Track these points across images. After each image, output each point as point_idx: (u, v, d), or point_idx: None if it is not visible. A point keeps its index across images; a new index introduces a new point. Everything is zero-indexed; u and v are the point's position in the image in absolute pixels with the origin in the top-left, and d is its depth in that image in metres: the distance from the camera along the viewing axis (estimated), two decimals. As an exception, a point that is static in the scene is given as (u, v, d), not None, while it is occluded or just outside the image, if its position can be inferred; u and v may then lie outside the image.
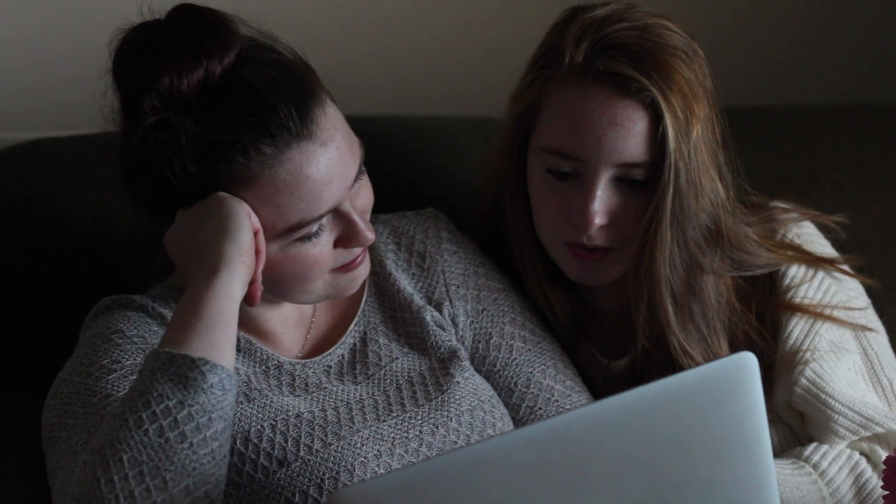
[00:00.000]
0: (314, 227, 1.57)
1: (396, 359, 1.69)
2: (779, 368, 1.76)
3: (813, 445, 1.75)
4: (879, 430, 1.74)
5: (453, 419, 1.62)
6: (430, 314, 1.72)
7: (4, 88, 2.24)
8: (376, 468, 1.57)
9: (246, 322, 1.66)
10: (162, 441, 1.42)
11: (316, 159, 1.55)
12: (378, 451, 1.58)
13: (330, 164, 1.56)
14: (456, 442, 1.61)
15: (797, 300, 1.77)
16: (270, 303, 1.67)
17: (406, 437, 1.60)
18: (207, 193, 1.54)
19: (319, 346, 1.71)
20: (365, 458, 1.57)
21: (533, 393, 1.72)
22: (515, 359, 1.74)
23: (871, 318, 1.82)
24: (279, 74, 1.55)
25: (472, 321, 1.75)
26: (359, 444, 1.58)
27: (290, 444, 1.58)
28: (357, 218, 1.60)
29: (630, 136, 1.67)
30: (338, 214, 1.59)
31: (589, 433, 1.28)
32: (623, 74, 1.66)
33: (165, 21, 1.57)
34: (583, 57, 1.68)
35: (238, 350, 1.65)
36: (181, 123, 1.53)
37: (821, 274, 1.80)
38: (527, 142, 1.75)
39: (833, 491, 1.71)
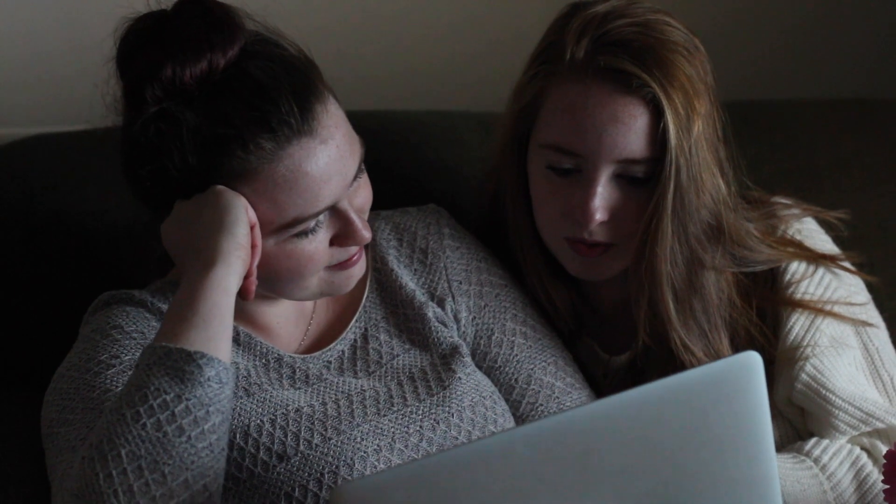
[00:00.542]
0: (311, 224, 1.57)
1: (398, 356, 1.69)
2: (779, 364, 1.76)
3: (814, 440, 1.75)
4: (880, 425, 1.74)
5: (454, 415, 1.62)
6: (432, 310, 1.72)
7: (5, 83, 2.24)
8: (376, 463, 1.57)
9: (245, 316, 1.66)
10: (160, 435, 1.42)
11: (315, 156, 1.55)
12: (378, 445, 1.58)
13: (329, 162, 1.56)
14: (457, 438, 1.61)
15: (798, 296, 1.77)
16: (270, 298, 1.67)
17: (406, 432, 1.60)
18: (206, 186, 1.55)
19: (319, 342, 1.71)
20: (365, 452, 1.57)
21: (534, 389, 1.72)
22: (517, 355, 1.74)
23: (872, 314, 1.82)
24: (282, 70, 1.55)
25: (475, 317, 1.75)
26: (359, 439, 1.58)
27: (289, 439, 1.58)
28: (354, 216, 1.60)
29: (631, 132, 1.66)
30: (335, 212, 1.59)
31: (592, 431, 1.28)
32: (624, 71, 1.66)
33: (172, 12, 1.57)
34: (584, 53, 1.68)
35: (238, 344, 1.65)
36: (182, 115, 1.53)
37: (821, 270, 1.80)
38: (527, 138, 1.75)
39: (834, 485, 1.71)
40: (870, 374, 1.78)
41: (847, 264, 1.82)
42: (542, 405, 1.70)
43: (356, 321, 1.72)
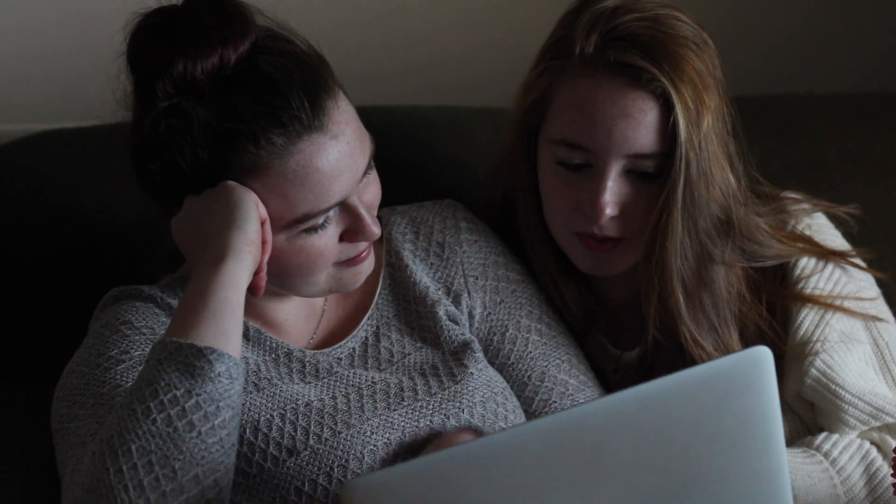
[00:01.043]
0: (321, 219, 1.57)
1: (409, 354, 1.69)
2: (789, 359, 1.76)
3: (824, 435, 1.75)
4: (890, 420, 1.74)
5: (465, 410, 1.62)
6: (443, 309, 1.72)
7: (13, 79, 2.24)
8: (385, 457, 1.57)
9: (255, 312, 1.66)
10: (170, 430, 1.42)
11: (326, 152, 1.55)
12: (388, 439, 1.58)
13: (340, 158, 1.56)
14: (466, 433, 1.61)
15: (808, 291, 1.77)
16: (279, 294, 1.67)
17: (416, 427, 1.60)
18: (217, 181, 1.55)
19: (330, 339, 1.71)
20: (374, 446, 1.57)
21: (547, 387, 1.71)
22: (531, 352, 1.74)
23: (882, 309, 1.82)
24: (293, 65, 1.55)
25: (490, 313, 1.75)
26: (368, 433, 1.58)
27: (299, 433, 1.58)
28: (364, 212, 1.60)
29: (641, 126, 1.66)
30: (345, 208, 1.59)
31: (603, 426, 1.28)
32: (634, 65, 1.65)
33: (183, 7, 1.57)
34: (593, 48, 1.68)
35: (247, 338, 1.65)
36: (194, 110, 1.53)
37: (831, 265, 1.80)
38: (536, 134, 1.75)
39: (844, 479, 1.71)
40: (879, 369, 1.78)
41: (857, 260, 1.82)
42: (555, 402, 1.70)
43: (368, 319, 1.72)
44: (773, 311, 1.78)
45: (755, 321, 1.76)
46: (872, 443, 1.75)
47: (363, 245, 1.63)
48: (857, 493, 1.71)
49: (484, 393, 1.64)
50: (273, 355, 1.66)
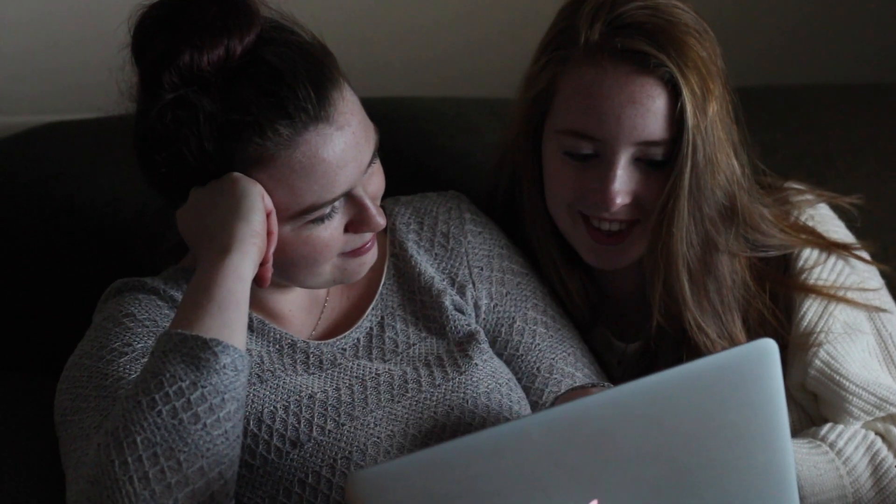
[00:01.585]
0: (327, 210, 1.57)
1: (414, 344, 1.69)
2: (792, 350, 1.76)
3: (829, 425, 1.75)
4: (894, 410, 1.74)
5: (469, 402, 1.62)
6: (449, 298, 1.72)
7: (19, 71, 2.24)
8: (389, 449, 1.57)
9: (258, 303, 1.66)
10: (175, 422, 1.42)
11: (332, 142, 1.55)
12: (392, 431, 1.58)
13: (345, 148, 1.56)
14: (471, 425, 1.61)
15: (811, 282, 1.77)
16: (282, 285, 1.66)
17: (420, 419, 1.60)
18: (222, 172, 1.54)
19: (333, 329, 1.71)
20: (378, 438, 1.57)
21: (556, 379, 1.71)
22: (538, 344, 1.74)
23: (885, 300, 1.82)
24: (299, 56, 1.55)
25: (496, 304, 1.75)
26: (372, 425, 1.58)
27: (302, 425, 1.58)
28: (369, 203, 1.60)
29: (649, 113, 1.66)
30: (350, 198, 1.59)
31: (608, 418, 1.28)
32: (641, 51, 1.66)
33: None
34: (598, 36, 1.68)
35: (251, 330, 1.65)
36: (199, 101, 1.52)
37: (834, 257, 1.80)
38: (541, 125, 1.75)
39: (850, 469, 1.71)
40: (883, 360, 1.78)
41: (860, 252, 1.82)
42: (564, 394, 1.70)
43: (373, 309, 1.71)
44: (776, 300, 1.78)
45: (758, 309, 1.77)
46: (877, 433, 1.75)
47: (368, 236, 1.63)
48: (862, 484, 1.71)
49: (489, 384, 1.64)
50: (277, 346, 1.66)
